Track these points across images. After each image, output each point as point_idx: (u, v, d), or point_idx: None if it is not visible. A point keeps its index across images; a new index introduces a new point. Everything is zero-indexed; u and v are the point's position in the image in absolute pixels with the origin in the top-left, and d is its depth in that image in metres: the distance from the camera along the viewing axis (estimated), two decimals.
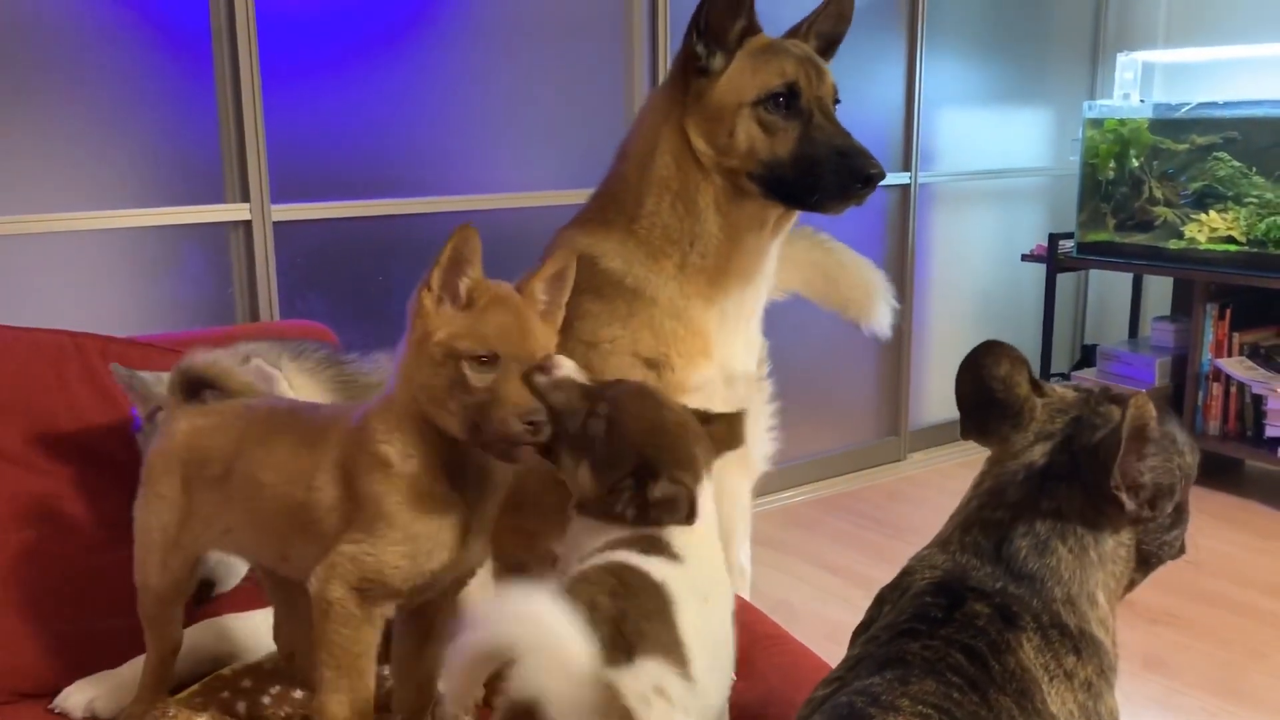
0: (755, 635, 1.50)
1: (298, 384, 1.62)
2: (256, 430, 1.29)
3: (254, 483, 1.25)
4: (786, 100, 1.41)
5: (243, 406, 1.34)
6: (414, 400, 1.18)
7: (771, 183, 1.42)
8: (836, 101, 1.49)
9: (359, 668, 1.22)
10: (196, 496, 1.31)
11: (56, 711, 1.46)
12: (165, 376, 1.56)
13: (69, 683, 1.47)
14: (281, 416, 1.31)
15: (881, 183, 1.44)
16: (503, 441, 1.12)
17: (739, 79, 1.42)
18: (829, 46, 1.53)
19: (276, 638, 1.48)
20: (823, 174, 1.38)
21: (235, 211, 2.50)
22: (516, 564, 1.48)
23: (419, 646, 1.31)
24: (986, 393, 1.11)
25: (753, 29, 1.45)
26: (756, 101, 1.41)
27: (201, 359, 1.36)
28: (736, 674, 1.17)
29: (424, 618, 1.30)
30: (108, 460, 1.71)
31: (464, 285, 1.15)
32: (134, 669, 1.47)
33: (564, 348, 1.50)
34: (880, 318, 1.87)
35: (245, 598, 1.62)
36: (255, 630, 1.55)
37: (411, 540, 1.17)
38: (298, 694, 1.44)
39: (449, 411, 1.15)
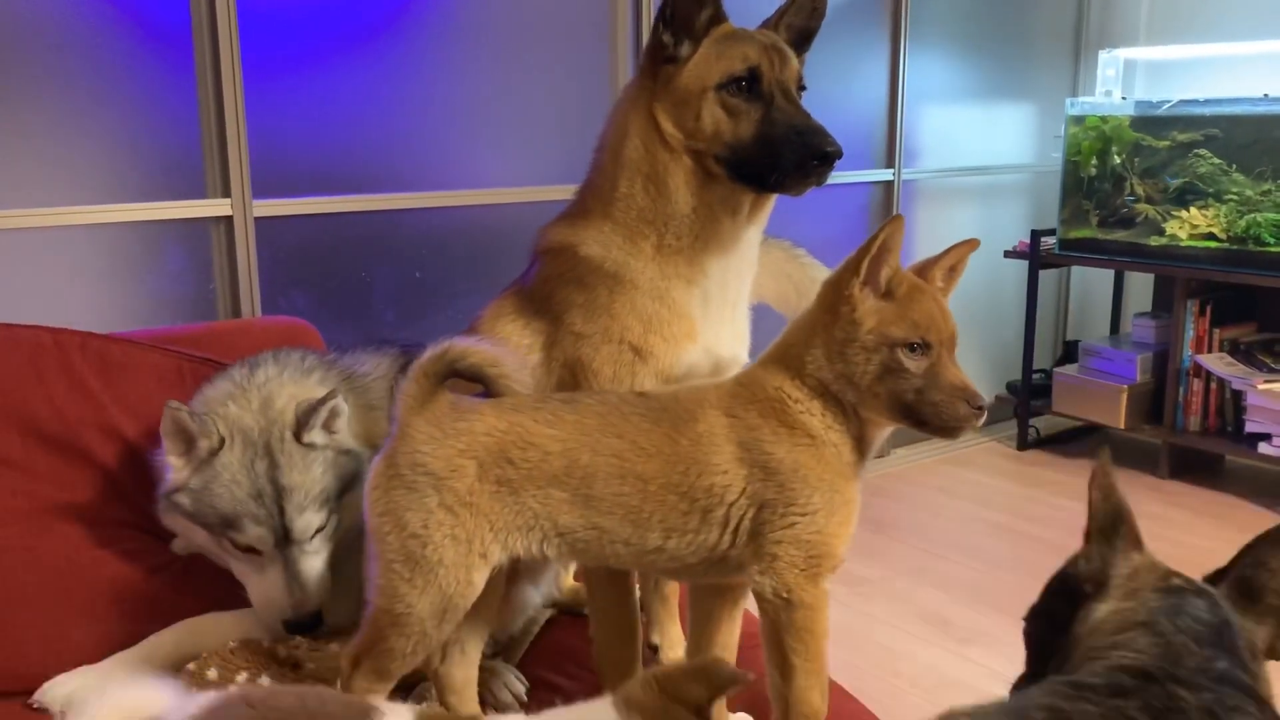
0: (743, 635, 1.50)
1: (314, 393, 1.59)
2: (594, 420, 1.26)
3: (625, 475, 1.23)
4: (749, 84, 1.45)
5: (557, 399, 1.30)
6: (821, 382, 1.25)
7: (735, 164, 1.45)
8: (802, 88, 1.52)
9: (823, 650, 1.26)
10: (510, 500, 1.24)
11: (36, 707, 1.46)
12: (246, 401, 1.53)
13: (48, 678, 1.46)
14: (619, 404, 1.29)
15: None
16: (947, 421, 1.22)
17: (704, 64, 1.46)
18: (803, 39, 1.57)
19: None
20: (782, 152, 1.42)
21: (217, 207, 2.49)
22: None
23: (725, 610, 1.41)
24: (1116, 505, 1.06)
25: (718, 18, 1.49)
26: (720, 85, 1.45)
27: (464, 346, 1.28)
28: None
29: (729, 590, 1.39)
30: (85, 457, 1.70)
31: (884, 275, 1.23)
32: (113, 664, 1.47)
33: (554, 339, 1.51)
34: None
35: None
36: (240, 625, 1.55)
37: (848, 505, 1.25)
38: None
39: (873, 394, 1.23)
